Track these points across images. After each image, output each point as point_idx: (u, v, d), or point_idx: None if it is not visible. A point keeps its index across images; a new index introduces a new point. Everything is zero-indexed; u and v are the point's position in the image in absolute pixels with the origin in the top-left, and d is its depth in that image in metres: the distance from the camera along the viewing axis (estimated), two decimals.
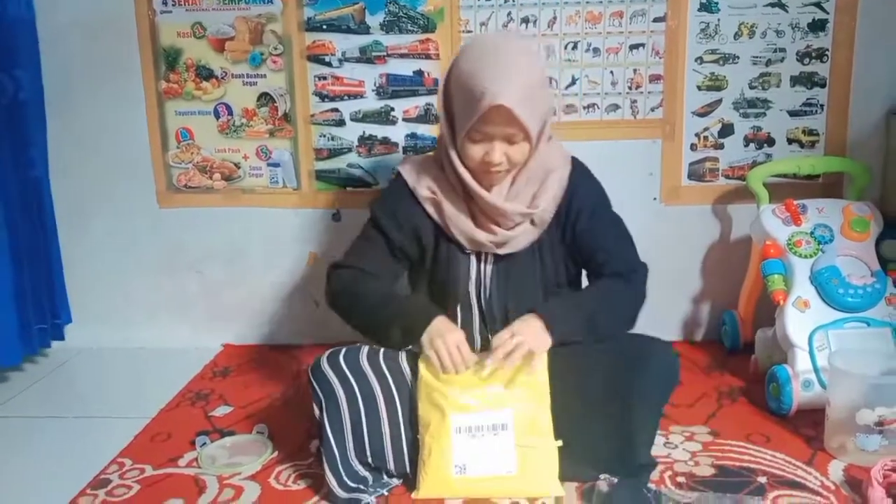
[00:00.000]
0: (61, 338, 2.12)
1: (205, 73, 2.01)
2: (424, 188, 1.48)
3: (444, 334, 1.37)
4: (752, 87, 1.93)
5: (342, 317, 1.52)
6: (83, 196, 2.10)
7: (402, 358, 1.44)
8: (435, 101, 1.97)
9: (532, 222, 1.48)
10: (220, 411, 1.76)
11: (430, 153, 1.57)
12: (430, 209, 1.49)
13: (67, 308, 2.13)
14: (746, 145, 1.97)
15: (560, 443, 1.36)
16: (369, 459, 1.37)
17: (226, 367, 2.01)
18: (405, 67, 1.97)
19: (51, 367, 2.06)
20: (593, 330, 1.42)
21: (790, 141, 1.96)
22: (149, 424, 1.70)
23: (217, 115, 2.04)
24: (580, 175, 1.51)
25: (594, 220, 1.49)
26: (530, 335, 1.36)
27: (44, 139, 2.05)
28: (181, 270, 2.13)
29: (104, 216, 2.11)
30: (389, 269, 1.53)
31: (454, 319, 1.52)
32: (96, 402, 1.86)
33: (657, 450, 1.45)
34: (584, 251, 1.51)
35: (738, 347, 1.95)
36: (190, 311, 2.15)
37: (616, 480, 1.35)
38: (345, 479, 1.34)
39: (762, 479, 1.39)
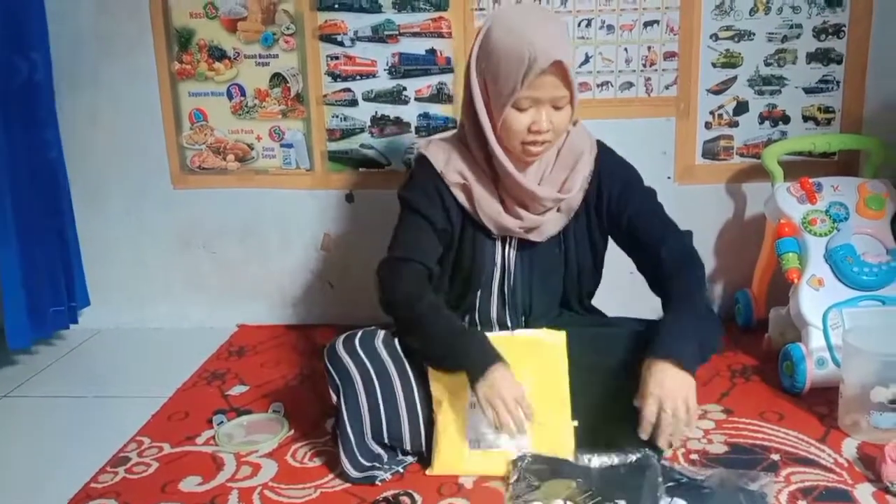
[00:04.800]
0: (76, 321, 2.12)
1: (217, 54, 2.01)
2: (454, 172, 1.44)
3: (501, 391, 1.28)
4: (767, 64, 1.92)
5: (396, 321, 1.44)
6: (98, 177, 2.11)
7: None
8: (448, 80, 1.97)
9: (558, 209, 1.47)
10: (237, 390, 1.78)
11: (449, 134, 1.54)
12: (460, 194, 1.45)
13: (85, 291, 2.15)
14: (761, 123, 1.95)
15: (576, 423, 1.37)
16: (385, 438, 1.38)
17: (241, 347, 2.03)
18: (418, 46, 1.96)
19: (69, 348, 2.09)
20: (701, 340, 1.33)
21: (806, 118, 1.94)
22: (166, 404, 1.72)
23: (230, 97, 2.04)
24: (606, 159, 1.49)
25: (634, 202, 1.46)
26: (676, 389, 1.25)
27: (55, 120, 2.04)
28: (196, 251, 2.14)
29: (119, 197, 2.12)
30: (437, 256, 1.47)
31: (474, 305, 1.52)
32: (114, 382, 1.89)
33: None
34: (633, 234, 1.46)
35: (751, 326, 1.95)
36: (205, 291, 2.17)
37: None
38: (359, 459, 1.35)
39: (775, 457, 1.40)
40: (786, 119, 1.94)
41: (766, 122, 1.95)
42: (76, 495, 1.37)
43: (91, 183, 2.11)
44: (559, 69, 1.31)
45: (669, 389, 1.24)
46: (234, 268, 2.15)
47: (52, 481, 1.42)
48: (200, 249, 2.14)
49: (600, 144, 1.51)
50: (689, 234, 1.49)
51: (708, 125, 1.97)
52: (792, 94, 1.93)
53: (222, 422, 1.60)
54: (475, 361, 1.31)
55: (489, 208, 1.44)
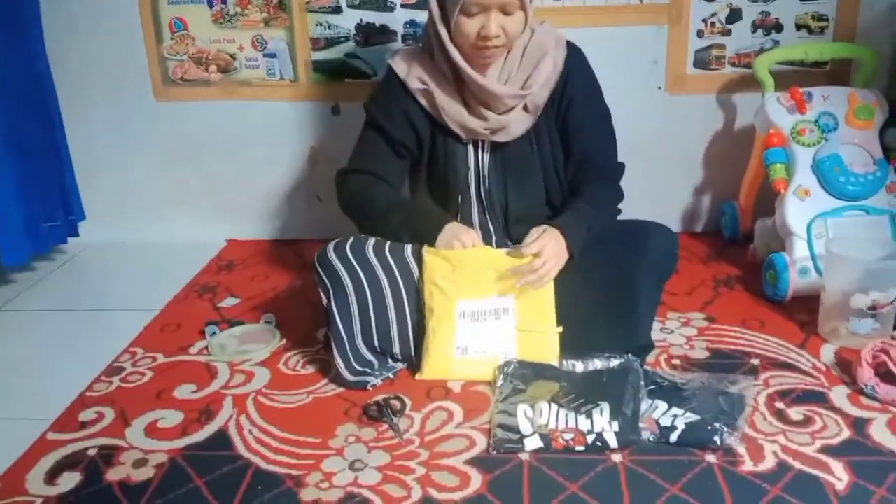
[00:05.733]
0: (76, 234, 2.12)
1: None
2: (415, 79, 1.47)
3: (458, 236, 1.40)
4: None
5: (354, 222, 1.53)
6: (81, 91, 2.07)
7: (407, 249, 1.45)
8: None
9: (525, 108, 1.47)
10: (228, 303, 1.80)
11: (420, 44, 1.53)
12: (423, 100, 1.48)
13: (80, 205, 2.13)
14: (754, 31, 1.92)
15: (560, 329, 1.40)
16: (376, 344, 1.41)
17: (231, 261, 2.04)
18: None
19: (60, 263, 2.09)
20: (592, 239, 1.44)
21: (799, 27, 1.90)
22: (158, 316, 1.74)
23: (210, 4, 1.98)
24: (575, 60, 1.49)
25: (585, 110, 1.49)
26: (554, 256, 1.37)
27: (41, 33, 1.98)
28: (182, 166, 2.12)
29: (103, 111, 2.08)
30: (395, 168, 1.53)
31: (455, 211, 1.54)
32: (106, 296, 1.90)
33: (654, 335, 1.48)
34: (571, 140, 1.50)
35: (737, 238, 1.97)
36: (193, 206, 2.16)
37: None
38: (352, 362, 1.39)
39: (755, 362, 1.44)
40: (779, 27, 1.91)
41: (759, 31, 1.91)
42: (72, 403, 1.40)
43: (74, 97, 2.07)
44: None
45: (552, 252, 1.37)
46: (221, 182, 2.13)
47: (49, 391, 1.45)
48: (187, 163, 2.12)
49: (571, 45, 1.51)
50: (622, 166, 1.54)
51: (700, 33, 1.93)
52: (786, 2, 1.89)
53: (215, 332, 1.62)
54: (429, 222, 1.44)
55: (452, 111, 1.46)
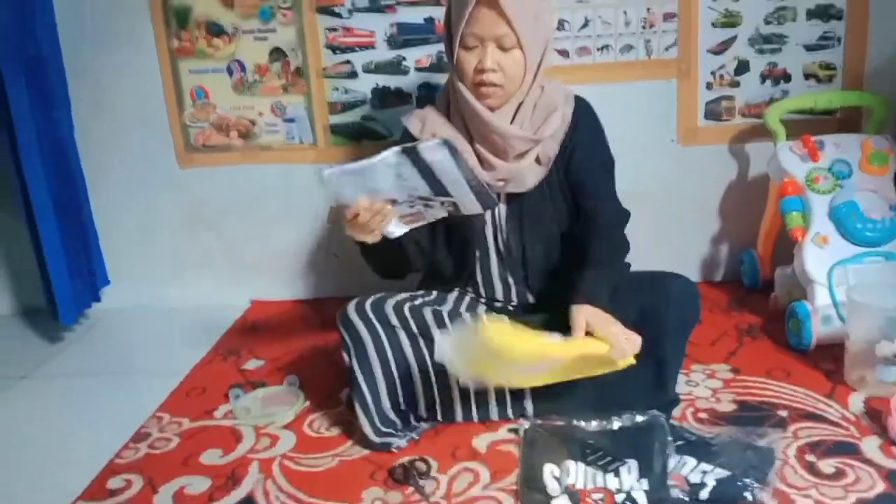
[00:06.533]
0: (98, 299, 2.16)
1: (215, 30, 2.01)
2: (429, 135, 1.49)
3: None
4: (767, 23, 1.91)
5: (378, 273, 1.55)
6: (105, 160, 2.12)
7: (427, 311, 1.46)
8: None
9: (538, 160, 1.49)
10: (252, 365, 1.81)
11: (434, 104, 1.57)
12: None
13: (104, 269, 2.18)
14: (763, 82, 1.95)
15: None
16: (401, 402, 1.41)
17: (254, 323, 2.06)
18: (416, 15, 1.96)
19: (87, 328, 2.12)
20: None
21: (807, 76, 1.94)
22: (184, 380, 1.75)
23: (230, 73, 2.04)
24: (582, 112, 1.52)
25: (587, 156, 1.50)
26: (608, 324, 1.31)
27: (66, 99, 2.05)
28: (204, 229, 2.16)
29: (126, 179, 2.13)
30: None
31: (474, 265, 1.55)
32: (132, 361, 1.93)
33: (680, 388, 1.48)
34: (576, 187, 1.51)
35: (757, 286, 1.97)
36: (215, 268, 2.19)
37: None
38: (377, 423, 1.39)
39: (783, 413, 1.43)
40: (787, 77, 1.94)
41: (768, 81, 1.95)
42: (101, 471, 1.41)
43: (98, 165, 2.12)
44: (493, 4, 1.35)
45: (603, 323, 1.30)
46: (242, 244, 2.17)
47: (77, 457, 1.46)
48: (208, 227, 2.16)
49: (579, 99, 1.54)
50: (626, 213, 1.52)
51: (709, 86, 1.96)
52: (793, 52, 1.92)
53: (239, 395, 1.63)
54: None
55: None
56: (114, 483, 1.37)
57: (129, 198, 2.15)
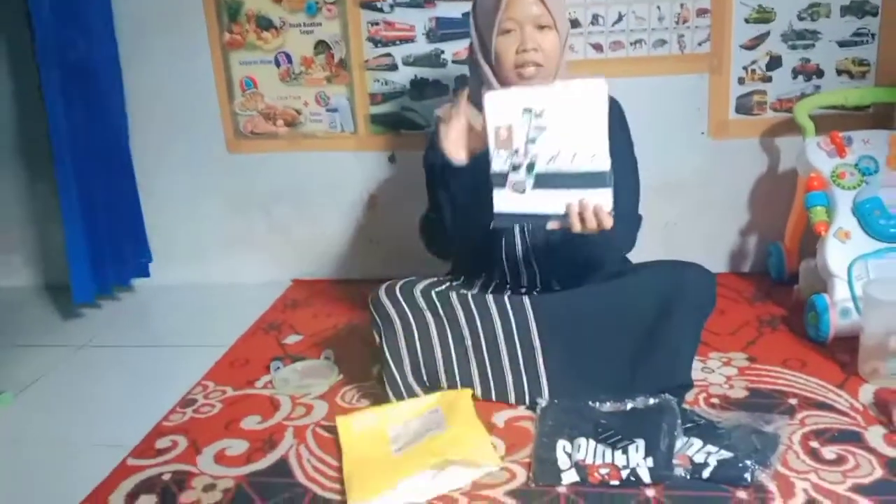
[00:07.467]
0: (146, 274, 2.31)
1: (264, 24, 2.12)
2: None
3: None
4: (800, 19, 1.92)
5: (440, 253, 1.63)
6: (160, 146, 2.26)
7: (453, 294, 1.54)
8: None
9: None
10: (291, 339, 1.93)
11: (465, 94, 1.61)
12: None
13: (147, 247, 2.32)
14: (795, 77, 1.97)
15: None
16: (425, 379, 1.51)
17: (295, 300, 2.18)
18: (454, 10, 2.03)
19: (139, 302, 2.28)
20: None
21: (840, 72, 1.95)
22: (228, 352, 1.88)
23: (278, 64, 2.15)
24: (615, 114, 1.54)
25: (614, 161, 1.52)
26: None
27: (121, 90, 2.19)
28: (251, 211, 2.29)
29: (179, 164, 2.27)
30: None
31: (499, 247, 1.60)
32: (181, 333, 2.06)
33: (694, 374, 1.53)
34: None
35: (783, 278, 2.00)
36: (261, 249, 2.32)
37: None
38: (403, 395, 1.50)
39: (793, 401, 1.47)
40: (819, 73, 1.95)
41: (800, 77, 1.97)
42: (150, 432, 1.54)
43: (154, 151, 2.26)
44: None
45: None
46: (286, 226, 2.29)
47: (130, 419, 1.60)
48: (255, 209, 2.28)
49: (614, 99, 1.56)
50: (639, 218, 1.56)
51: (741, 80, 1.99)
52: (826, 48, 1.94)
53: (279, 367, 1.75)
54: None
55: None
56: (161, 443, 1.50)
57: (181, 182, 2.28)
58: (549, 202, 1.33)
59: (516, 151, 1.33)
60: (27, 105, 2.29)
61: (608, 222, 1.31)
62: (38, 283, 2.49)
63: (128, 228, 2.25)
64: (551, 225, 1.35)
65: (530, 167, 1.33)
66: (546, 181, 1.33)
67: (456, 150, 1.44)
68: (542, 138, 1.32)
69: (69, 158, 2.01)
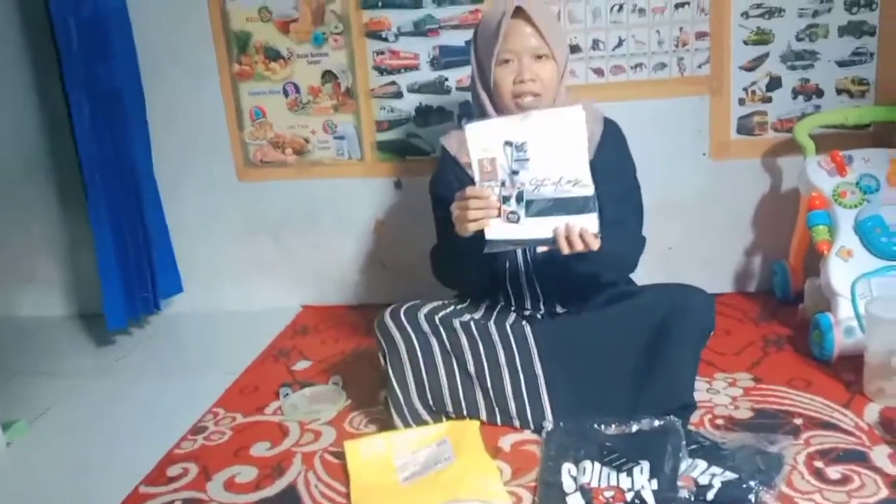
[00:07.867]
0: (158, 307, 2.30)
1: (272, 55, 2.17)
2: (465, 154, 1.53)
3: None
4: (799, 40, 1.95)
5: (450, 284, 1.68)
6: (174, 174, 2.29)
7: (456, 321, 1.56)
8: None
9: None
10: (301, 365, 1.95)
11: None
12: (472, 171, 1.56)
13: (178, 278, 2.34)
14: (795, 98, 1.99)
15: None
16: (430, 403, 1.53)
17: (304, 326, 2.21)
18: (457, 38, 2.07)
19: (154, 329, 2.31)
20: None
21: (839, 91, 1.96)
22: (238, 378, 1.91)
23: (286, 94, 2.19)
24: (611, 133, 1.59)
25: (611, 181, 1.52)
26: None
27: (145, 119, 2.22)
28: (261, 239, 2.32)
29: (191, 192, 2.31)
30: None
31: (503, 271, 1.62)
32: (193, 360, 2.09)
33: (699, 395, 1.54)
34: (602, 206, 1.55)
35: (789, 297, 2.00)
36: (270, 275, 2.35)
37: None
38: (409, 420, 1.51)
39: (798, 421, 1.48)
40: (819, 93, 1.97)
41: (800, 97, 1.98)
42: (162, 460, 1.56)
43: (168, 180, 2.29)
44: (525, 17, 1.46)
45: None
46: (295, 253, 2.32)
47: (142, 446, 1.62)
48: (265, 236, 2.32)
49: (608, 120, 1.61)
50: (643, 240, 1.59)
51: (741, 101, 2.01)
52: (825, 68, 1.95)
53: (288, 394, 1.77)
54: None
55: None
56: (173, 470, 1.52)
57: (193, 211, 2.32)
58: (538, 228, 1.37)
59: (502, 183, 1.37)
60: (56, 135, 2.34)
61: (595, 244, 1.35)
62: (70, 312, 2.50)
63: (158, 256, 2.27)
64: (540, 249, 1.38)
65: (520, 197, 1.37)
66: (533, 209, 1.37)
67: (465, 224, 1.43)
68: (525, 169, 1.36)
69: (100, 183, 2.06)
